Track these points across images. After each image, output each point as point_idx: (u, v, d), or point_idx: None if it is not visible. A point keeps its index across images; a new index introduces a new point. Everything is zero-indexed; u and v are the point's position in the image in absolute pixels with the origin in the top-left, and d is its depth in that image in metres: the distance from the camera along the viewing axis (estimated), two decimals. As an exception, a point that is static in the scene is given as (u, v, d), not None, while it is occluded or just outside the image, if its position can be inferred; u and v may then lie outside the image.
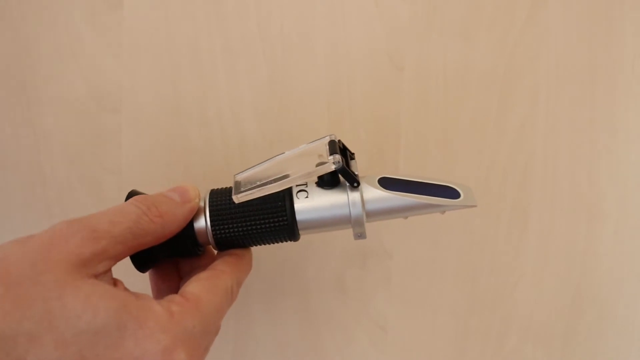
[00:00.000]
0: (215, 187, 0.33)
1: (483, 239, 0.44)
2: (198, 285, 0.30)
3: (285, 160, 0.32)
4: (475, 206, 0.32)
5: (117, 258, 0.28)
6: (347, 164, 0.31)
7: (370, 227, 0.32)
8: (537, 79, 0.41)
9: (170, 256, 0.33)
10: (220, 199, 0.32)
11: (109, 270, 0.28)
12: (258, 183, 0.31)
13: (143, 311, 0.27)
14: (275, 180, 0.31)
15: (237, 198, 0.31)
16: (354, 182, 0.31)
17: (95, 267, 0.27)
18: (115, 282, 0.28)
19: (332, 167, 0.30)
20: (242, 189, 0.31)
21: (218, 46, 0.40)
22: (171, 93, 0.41)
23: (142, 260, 0.32)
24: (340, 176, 0.31)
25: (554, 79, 0.41)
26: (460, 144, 0.42)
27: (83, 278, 0.26)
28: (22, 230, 0.42)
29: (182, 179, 0.42)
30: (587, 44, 0.41)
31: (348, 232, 0.32)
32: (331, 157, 0.30)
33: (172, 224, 0.31)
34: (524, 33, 0.40)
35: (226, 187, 0.33)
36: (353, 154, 0.33)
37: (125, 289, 0.28)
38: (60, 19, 0.39)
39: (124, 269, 0.30)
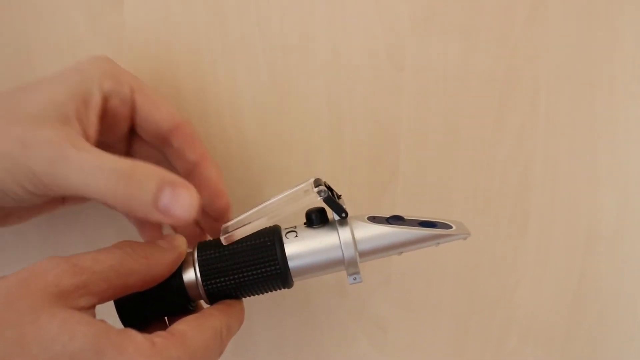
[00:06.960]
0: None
1: (483, 239, 0.44)
2: (184, 324, 0.29)
3: (271, 204, 0.32)
4: (469, 235, 0.32)
5: (101, 296, 0.27)
6: (334, 197, 0.31)
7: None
8: (537, 79, 0.41)
9: (161, 314, 0.32)
10: (209, 249, 0.32)
11: (92, 307, 0.27)
12: (245, 223, 0.31)
13: (123, 338, 0.26)
14: (261, 217, 0.31)
15: (225, 239, 0.31)
16: (341, 213, 0.31)
17: (76, 301, 0.26)
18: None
19: (318, 197, 0.30)
20: (230, 231, 0.31)
21: (218, 46, 0.40)
22: (171, 93, 0.41)
23: (128, 309, 0.31)
24: (328, 210, 0.31)
25: (554, 79, 0.41)
26: (460, 144, 0.42)
27: (61, 307, 0.25)
28: (22, 231, 0.42)
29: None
30: (587, 44, 0.41)
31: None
32: (316, 188, 0.30)
33: (159, 267, 0.30)
34: (524, 33, 0.40)
35: (213, 239, 0.33)
36: (340, 195, 0.33)
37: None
38: (60, 19, 0.39)
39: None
